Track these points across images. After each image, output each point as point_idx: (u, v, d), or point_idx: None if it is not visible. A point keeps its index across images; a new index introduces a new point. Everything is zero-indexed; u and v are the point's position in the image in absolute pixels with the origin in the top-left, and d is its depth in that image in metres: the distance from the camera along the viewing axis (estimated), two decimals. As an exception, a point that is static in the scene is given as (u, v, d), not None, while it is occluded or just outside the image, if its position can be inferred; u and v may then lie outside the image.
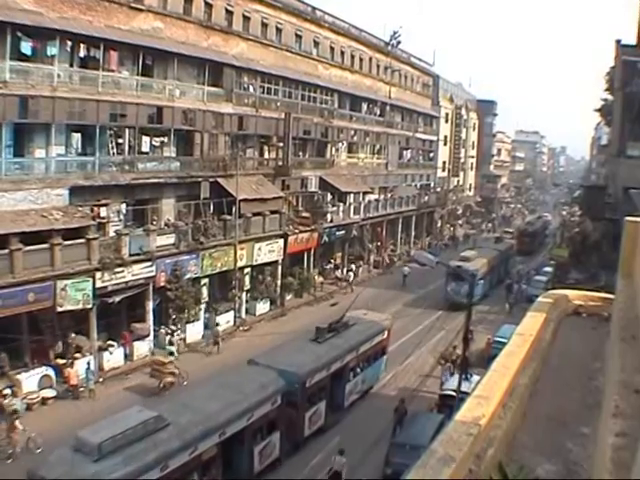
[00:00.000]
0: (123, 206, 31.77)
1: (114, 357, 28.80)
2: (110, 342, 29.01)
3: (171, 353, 29.10)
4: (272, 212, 39.19)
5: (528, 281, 50.45)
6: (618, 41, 41.17)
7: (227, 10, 39.33)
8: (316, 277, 45.44)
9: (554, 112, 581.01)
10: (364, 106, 58.48)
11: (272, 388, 20.39)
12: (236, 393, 19.32)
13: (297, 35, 47.17)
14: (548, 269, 53.38)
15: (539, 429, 6.76)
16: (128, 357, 29.60)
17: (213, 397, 18.92)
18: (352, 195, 52.17)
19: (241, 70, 39.93)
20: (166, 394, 25.98)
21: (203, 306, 34.15)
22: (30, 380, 24.89)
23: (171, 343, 30.41)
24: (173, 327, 31.75)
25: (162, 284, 31.00)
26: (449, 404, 22.53)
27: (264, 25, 42.97)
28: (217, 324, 33.67)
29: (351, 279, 48.04)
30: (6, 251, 23.99)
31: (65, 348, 27.31)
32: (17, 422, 21.56)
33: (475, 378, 21.95)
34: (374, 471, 21.09)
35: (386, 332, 29.54)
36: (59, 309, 25.92)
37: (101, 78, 30.11)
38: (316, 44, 49.99)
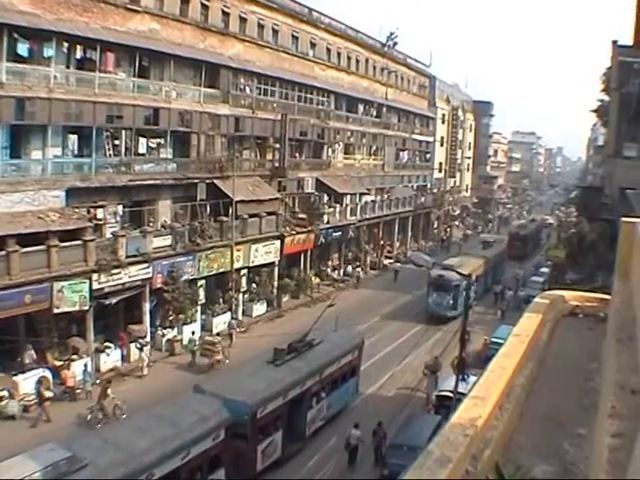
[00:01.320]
0: (120, 208, 31.76)
1: (111, 359, 28.77)
2: (107, 344, 28.99)
3: (193, 352, 30.63)
4: (269, 213, 39.21)
5: (524, 286, 48.71)
6: (614, 42, 41.28)
7: (223, 11, 39.33)
8: (313, 278, 45.45)
9: (550, 113, 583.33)
10: (360, 107, 58.50)
11: (214, 421, 18.11)
12: (170, 427, 16.95)
13: (294, 36, 47.19)
14: (545, 270, 53.49)
15: (536, 430, 6.77)
16: (125, 359, 29.55)
17: (142, 432, 16.54)
18: (349, 196, 52.19)
19: (237, 71, 39.94)
20: (213, 371, 28.89)
21: (200, 307, 34.12)
22: (27, 382, 24.83)
23: (192, 341, 31.57)
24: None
25: (159, 286, 30.99)
26: (446, 405, 22.57)
27: (260, 26, 42.99)
28: (234, 318, 35.41)
29: (360, 275, 50.31)
30: (3, 253, 23.98)
31: (62, 350, 27.29)
32: (109, 390, 24.45)
33: (472, 379, 22.01)
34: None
35: (356, 351, 26.94)
36: (56, 311, 25.91)
37: (97, 79, 30.10)
38: (313, 45, 50.00)
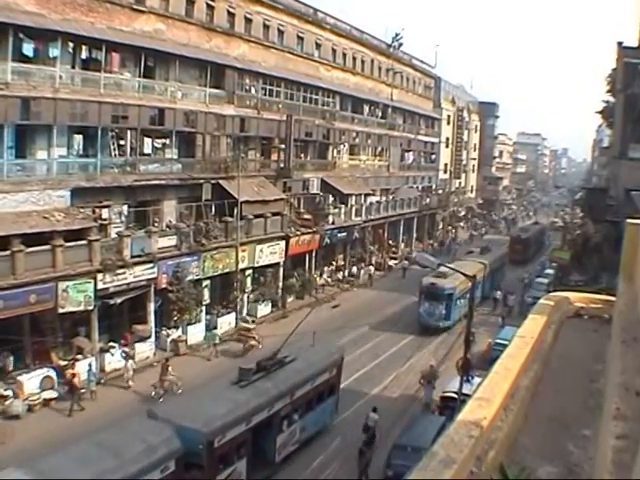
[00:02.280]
0: (125, 208, 31.81)
1: (115, 358, 28.81)
2: (111, 344, 29.04)
3: (214, 344, 31.99)
4: (274, 214, 39.21)
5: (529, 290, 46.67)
6: (619, 43, 41.16)
7: (229, 12, 39.39)
8: (317, 279, 45.45)
9: (556, 114, 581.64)
10: (366, 108, 58.53)
11: (163, 450, 16.13)
12: (112, 458, 15.10)
13: (299, 37, 47.23)
14: (549, 271, 53.42)
15: (540, 431, 6.76)
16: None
17: (81, 464, 14.64)
18: (354, 197, 52.25)
19: (243, 72, 40.00)
20: (249, 355, 30.99)
21: (204, 308, 34.15)
22: (32, 381, 24.89)
23: (215, 327, 33.71)
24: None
25: (163, 286, 31.01)
26: (450, 406, 22.55)
27: (266, 27, 43.03)
28: (248, 313, 36.62)
29: (372, 272, 51.48)
30: (8, 252, 24.04)
31: (67, 349, 27.34)
32: (169, 368, 27.02)
33: (476, 380, 21.98)
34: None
35: (335, 369, 24.51)
36: (60, 310, 25.95)
37: (103, 80, 30.17)
38: (318, 46, 50.03)
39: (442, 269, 37.47)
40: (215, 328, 33.96)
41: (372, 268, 52.46)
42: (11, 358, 25.47)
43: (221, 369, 27.02)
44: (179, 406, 19.39)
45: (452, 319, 38.64)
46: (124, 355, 28.61)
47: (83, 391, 25.56)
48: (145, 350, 30.23)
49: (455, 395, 22.30)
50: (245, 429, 19.01)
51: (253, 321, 35.86)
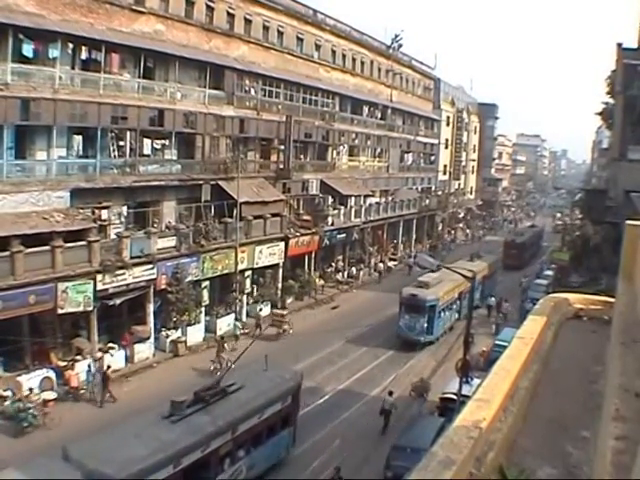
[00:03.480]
0: (124, 208, 31.81)
1: (115, 359, 28.80)
2: (111, 344, 29.02)
3: (236, 336, 33.26)
4: (273, 215, 39.23)
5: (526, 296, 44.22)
6: (619, 44, 41.21)
7: (229, 13, 39.39)
8: (317, 280, 45.47)
9: (555, 116, 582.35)
10: (365, 109, 58.51)
11: None
12: None
13: (298, 38, 47.23)
14: (549, 272, 53.42)
15: (540, 432, 6.76)
16: (129, 359, 29.57)
17: None
18: (353, 198, 52.30)
19: (242, 73, 39.98)
20: (282, 339, 34.59)
21: (204, 309, 34.14)
22: (31, 382, 24.87)
23: (237, 327, 34.34)
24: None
25: (163, 287, 31.01)
26: (450, 407, 22.55)
27: (265, 28, 43.03)
28: (260, 309, 37.31)
29: (382, 269, 53.21)
30: (7, 253, 24.03)
31: (66, 350, 27.33)
32: (225, 345, 30.13)
33: (476, 381, 21.99)
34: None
35: (290, 397, 21.72)
36: (60, 311, 25.95)
37: (102, 80, 30.16)
38: (317, 47, 50.04)
39: (425, 278, 37.22)
40: (238, 320, 35.54)
41: (382, 265, 54.16)
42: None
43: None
44: (97, 445, 16.21)
45: (435, 333, 36.26)
46: (92, 367, 27.03)
47: (82, 392, 25.58)
48: (144, 351, 30.24)
49: (454, 396, 22.32)
50: (173, 472, 16.27)
51: (285, 308, 38.09)
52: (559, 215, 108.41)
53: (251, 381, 20.46)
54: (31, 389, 24.12)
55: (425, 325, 35.60)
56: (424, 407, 26.63)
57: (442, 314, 36.98)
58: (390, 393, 25.35)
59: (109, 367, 26.47)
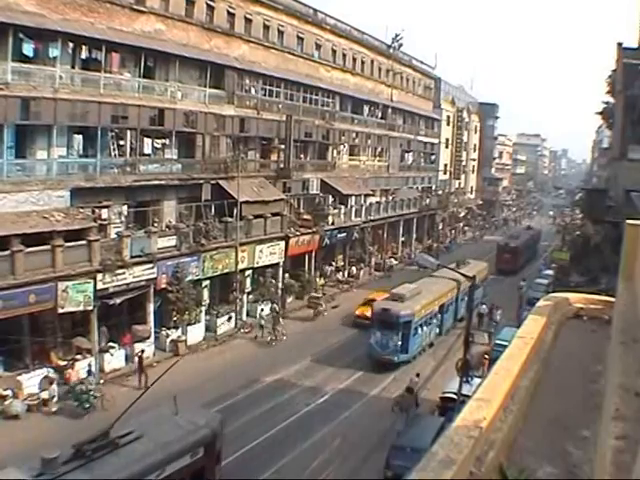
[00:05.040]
0: (124, 208, 31.81)
1: (115, 359, 28.81)
2: (111, 344, 29.03)
3: (261, 326, 35.71)
4: (273, 214, 39.25)
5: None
6: (619, 44, 41.22)
7: (229, 12, 39.38)
8: (317, 279, 45.47)
9: (556, 115, 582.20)
10: (365, 109, 58.52)
11: None
12: None
13: (299, 37, 47.23)
14: (549, 272, 53.38)
15: (540, 432, 6.76)
16: (129, 359, 29.57)
17: None
18: (353, 197, 52.32)
19: (243, 72, 40.00)
20: (318, 319, 39.33)
21: (204, 308, 34.15)
22: (31, 381, 24.88)
23: (262, 317, 36.79)
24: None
25: (163, 286, 31.02)
26: (450, 407, 22.56)
27: (266, 27, 43.04)
28: (275, 307, 37.86)
29: (392, 264, 55.58)
30: (7, 252, 24.04)
31: (66, 349, 27.33)
32: (280, 319, 35.69)
33: (476, 381, 22.02)
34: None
35: (203, 448, 16.81)
36: (60, 310, 25.96)
37: (103, 80, 30.18)
38: (318, 46, 50.04)
39: (400, 291, 33.91)
40: (262, 318, 37.02)
41: (392, 260, 56.96)
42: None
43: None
44: None
45: (410, 351, 32.68)
46: (92, 367, 26.98)
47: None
48: (145, 350, 30.23)
49: (454, 396, 22.33)
50: None
51: (318, 290, 40.61)
52: (551, 213, 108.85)
53: (153, 429, 16.16)
54: (90, 371, 26.43)
55: (399, 343, 31.92)
56: (408, 416, 24.86)
57: (419, 330, 33.50)
58: (417, 375, 28.07)
59: (143, 351, 28.73)
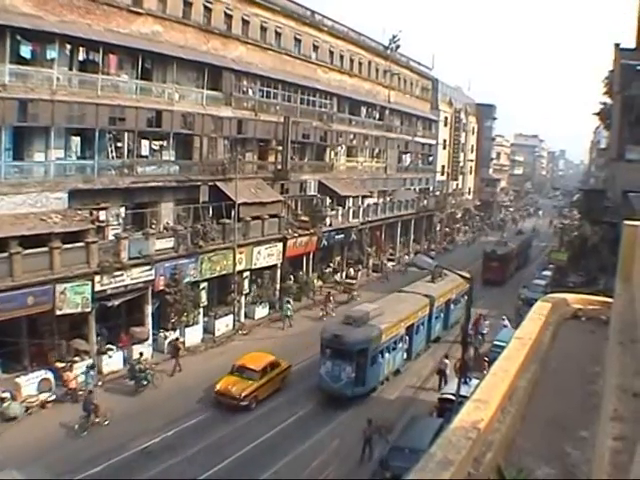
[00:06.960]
0: (122, 210, 31.76)
1: (113, 361, 28.78)
2: (109, 346, 29.00)
3: (287, 315, 37.96)
4: (271, 216, 39.21)
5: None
6: (617, 45, 41.25)
7: (226, 14, 39.36)
8: (315, 281, 45.44)
9: (553, 116, 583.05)
10: (363, 110, 58.52)
11: None
12: None
13: (296, 39, 47.21)
14: (547, 273, 53.40)
15: (538, 432, 6.76)
16: (127, 361, 29.53)
17: None
18: (351, 199, 52.28)
19: (240, 74, 39.96)
20: (352, 302, 41.78)
21: (202, 310, 34.12)
22: (29, 383, 24.85)
23: (288, 309, 38.19)
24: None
25: (161, 288, 30.99)
26: (448, 408, 22.54)
27: (263, 29, 43.01)
28: (288, 306, 38.48)
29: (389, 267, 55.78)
30: (5, 254, 24.02)
31: (64, 351, 27.31)
32: (331, 298, 40.73)
33: (474, 382, 22.01)
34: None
35: None
36: (58, 312, 25.94)
37: (100, 82, 30.11)
38: (315, 48, 50.03)
39: (355, 313, 29.30)
40: (289, 304, 38.69)
41: (389, 263, 57.15)
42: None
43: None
44: None
45: (368, 383, 28.14)
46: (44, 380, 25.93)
47: (80, 393, 25.53)
48: (143, 352, 30.19)
49: (452, 397, 22.31)
50: None
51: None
52: (541, 213, 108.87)
53: None
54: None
55: (353, 375, 27.24)
56: (388, 440, 22.66)
57: (379, 358, 28.81)
58: (446, 356, 30.28)
59: (177, 339, 30.75)
